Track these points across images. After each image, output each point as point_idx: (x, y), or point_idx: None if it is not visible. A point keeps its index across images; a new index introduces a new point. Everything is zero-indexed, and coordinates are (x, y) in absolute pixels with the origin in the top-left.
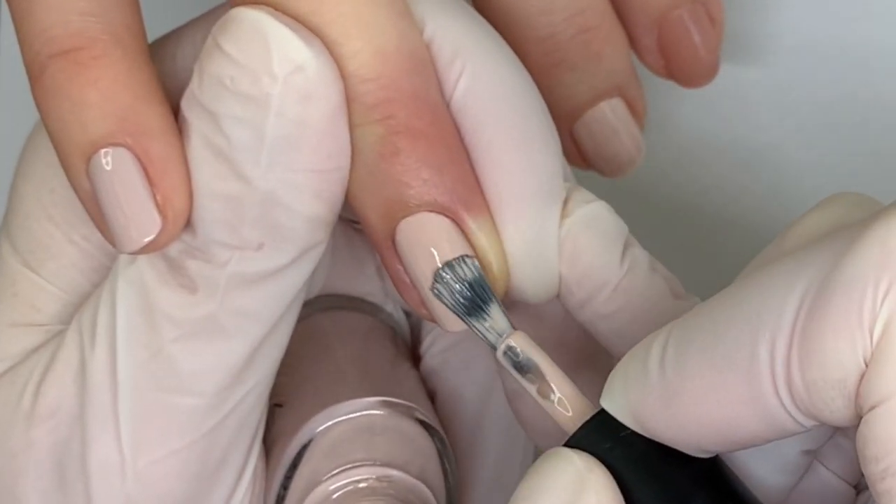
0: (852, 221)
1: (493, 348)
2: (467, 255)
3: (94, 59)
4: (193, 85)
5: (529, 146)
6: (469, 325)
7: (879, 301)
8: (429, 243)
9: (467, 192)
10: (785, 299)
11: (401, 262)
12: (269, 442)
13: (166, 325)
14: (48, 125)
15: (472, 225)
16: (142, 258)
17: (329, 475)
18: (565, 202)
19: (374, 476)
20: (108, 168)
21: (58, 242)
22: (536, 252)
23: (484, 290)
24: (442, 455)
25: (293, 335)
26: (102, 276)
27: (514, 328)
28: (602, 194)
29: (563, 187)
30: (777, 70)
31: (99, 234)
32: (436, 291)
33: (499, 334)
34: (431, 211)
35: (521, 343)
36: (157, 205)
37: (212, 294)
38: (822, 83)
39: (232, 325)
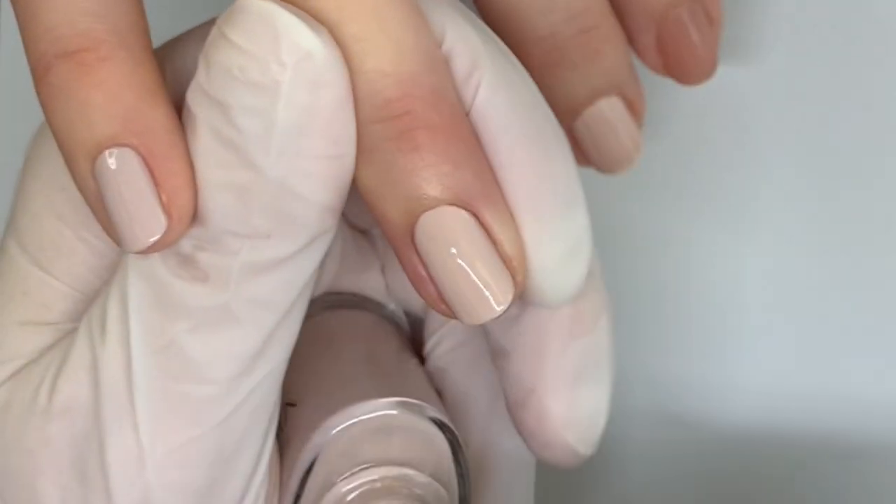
0: None
1: None
2: None
3: (100, 60)
4: (200, 77)
5: (550, 153)
6: None
7: None
8: (449, 237)
9: (486, 187)
10: None
11: (420, 257)
12: (283, 440)
13: (179, 317)
14: (53, 125)
15: (490, 219)
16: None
17: (345, 476)
18: None
19: (390, 475)
20: (114, 168)
21: (68, 241)
22: (558, 252)
23: None
24: (455, 452)
25: (301, 334)
26: (113, 272)
27: None
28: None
29: (581, 194)
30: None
31: None
32: None
33: None
34: (451, 205)
35: None
36: (162, 204)
37: (224, 284)
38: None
39: (244, 314)
